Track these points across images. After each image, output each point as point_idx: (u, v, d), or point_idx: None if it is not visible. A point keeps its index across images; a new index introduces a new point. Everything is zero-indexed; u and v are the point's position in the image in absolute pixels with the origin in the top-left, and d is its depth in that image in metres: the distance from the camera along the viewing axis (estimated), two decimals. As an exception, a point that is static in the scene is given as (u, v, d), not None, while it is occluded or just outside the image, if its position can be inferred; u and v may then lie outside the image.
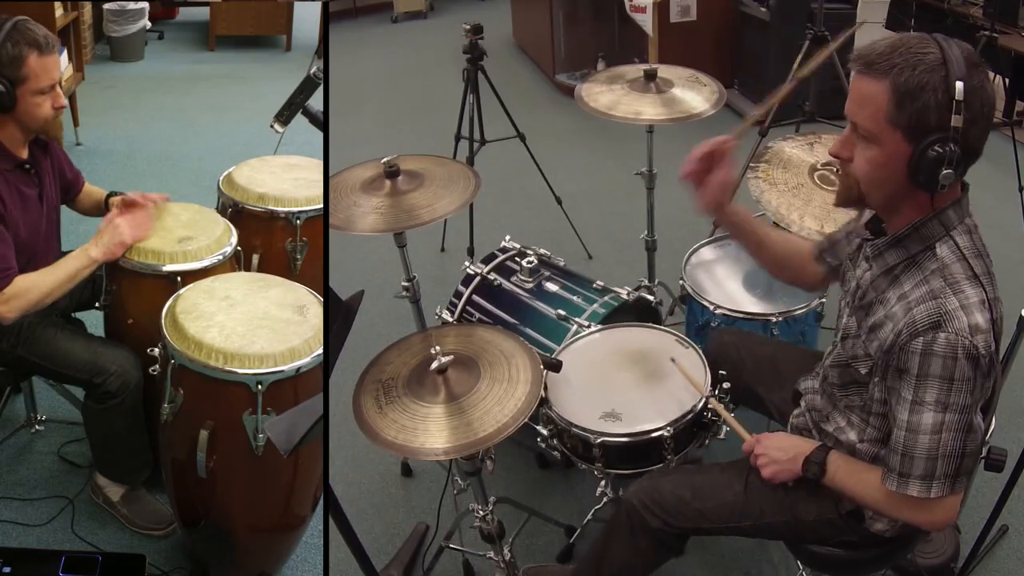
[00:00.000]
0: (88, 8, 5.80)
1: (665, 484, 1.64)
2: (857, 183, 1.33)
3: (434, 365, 1.51)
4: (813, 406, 1.61)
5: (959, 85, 1.19)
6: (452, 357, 1.53)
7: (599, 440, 1.75)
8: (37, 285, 1.89)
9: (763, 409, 1.89)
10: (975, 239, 1.33)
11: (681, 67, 2.50)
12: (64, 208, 2.22)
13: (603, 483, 2.03)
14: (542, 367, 1.58)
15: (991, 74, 1.24)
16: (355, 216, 1.84)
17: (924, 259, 1.32)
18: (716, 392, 1.84)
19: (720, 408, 1.75)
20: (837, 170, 1.48)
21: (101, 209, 2.24)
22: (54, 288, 1.91)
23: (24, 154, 1.98)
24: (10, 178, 1.92)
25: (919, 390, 1.28)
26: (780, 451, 1.55)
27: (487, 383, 1.51)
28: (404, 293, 2.17)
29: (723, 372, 1.85)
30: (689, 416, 1.76)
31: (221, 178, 2.45)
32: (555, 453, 1.90)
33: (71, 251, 2.14)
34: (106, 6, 5.92)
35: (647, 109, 2.29)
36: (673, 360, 1.88)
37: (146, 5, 6.10)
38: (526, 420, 1.43)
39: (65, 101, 2.00)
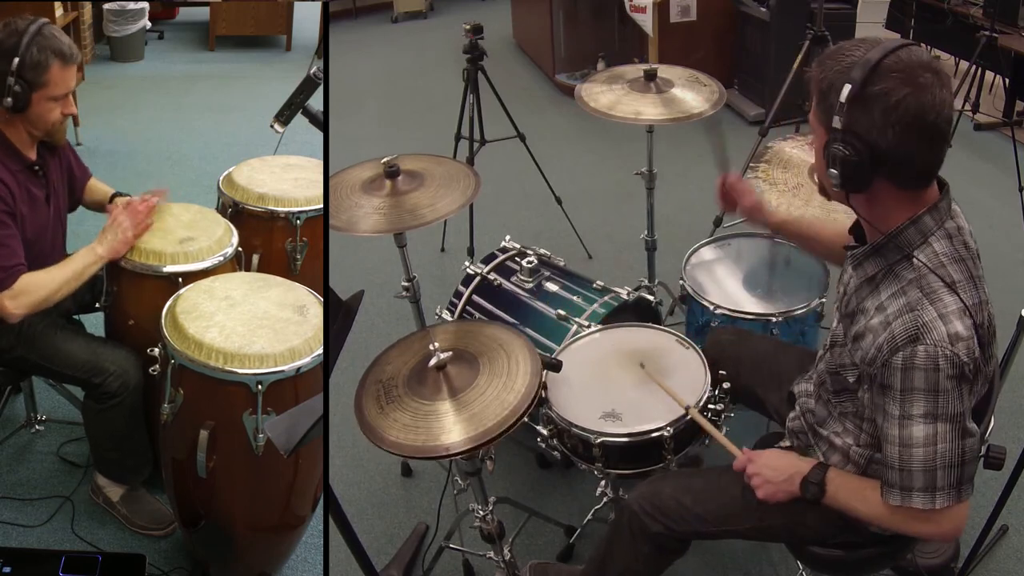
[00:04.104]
0: (88, 8, 5.81)
1: (665, 489, 1.63)
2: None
3: (433, 361, 1.51)
4: (808, 409, 1.61)
5: (846, 88, 1.22)
6: (451, 353, 1.53)
7: (599, 440, 1.75)
8: (45, 283, 1.89)
9: (762, 409, 1.88)
10: (956, 243, 1.31)
11: (681, 67, 2.50)
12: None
13: (603, 483, 2.03)
14: (542, 367, 1.57)
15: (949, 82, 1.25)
16: (357, 217, 1.84)
17: (901, 268, 1.31)
18: (716, 392, 1.84)
19: (706, 424, 1.72)
20: None
21: (104, 208, 2.25)
22: (62, 285, 1.92)
23: (33, 155, 1.99)
24: (20, 178, 1.93)
25: (905, 405, 1.27)
26: (774, 471, 1.52)
27: (486, 377, 1.51)
28: (404, 293, 2.17)
29: (723, 372, 1.85)
30: (689, 416, 1.76)
31: (221, 178, 2.45)
32: (555, 453, 1.90)
33: (76, 252, 2.15)
34: (106, 6, 5.92)
35: (647, 109, 2.29)
36: (642, 365, 1.87)
37: (146, 5, 6.10)
38: (527, 414, 1.43)
39: (75, 109, 2.01)
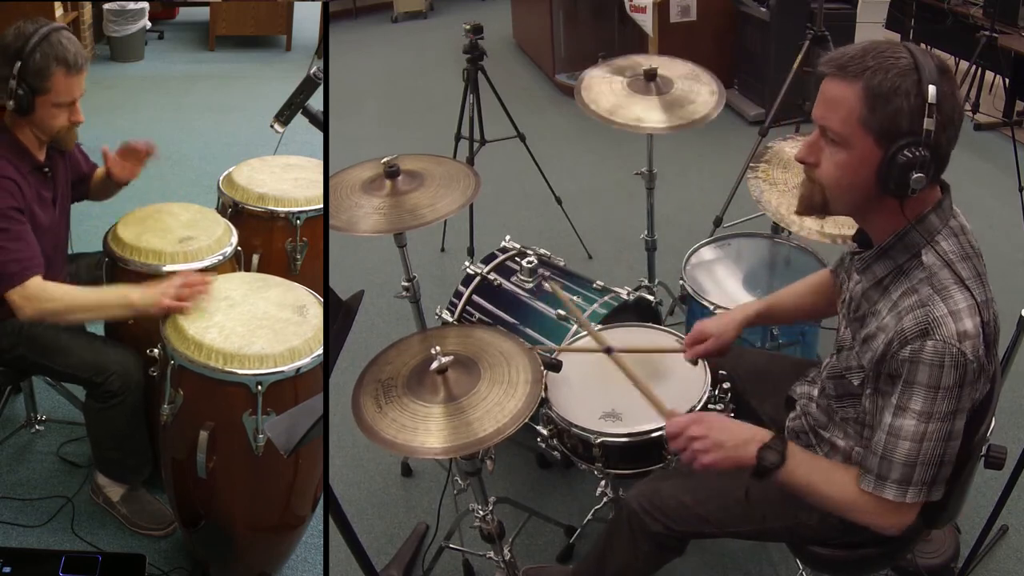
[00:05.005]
0: (88, 8, 5.81)
1: (665, 488, 1.63)
2: (822, 189, 1.32)
3: (434, 365, 1.51)
4: (809, 411, 1.60)
5: (932, 89, 1.19)
6: (452, 357, 1.53)
7: (599, 440, 1.75)
8: (62, 296, 1.86)
9: (756, 420, 1.88)
10: (962, 241, 1.31)
11: (680, 60, 2.49)
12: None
13: (603, 483, 2.03)
14: (542, 367, 1.57)
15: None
16: (357, 217, 1.84)
17: (911, 267, 1.31)
18: (716, 392, 1.84)
19: (626, 364, 1.58)
20: None
21: (106, 183, 2.24)
22: (79, 308, 1.88)
23: (42, 157, 1.99)
24: (30, 179, 1.93)
25: (904, 396, 1.28)
26: (727, 434, 1.39)
27: (487, 384, 1.51)
28: (404, 293, 2.17)
29: (723, 372, 1.85)
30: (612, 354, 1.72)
31: (221, 178, 2.45)
32: (555, 453, 1.90)
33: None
34: (106, 6, 5.92)
35: (648, 115, 2.27)
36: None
37: (146, 5, 6.10)
38: (525, 422, 1.43)
39: (83, 117, 1.98)
